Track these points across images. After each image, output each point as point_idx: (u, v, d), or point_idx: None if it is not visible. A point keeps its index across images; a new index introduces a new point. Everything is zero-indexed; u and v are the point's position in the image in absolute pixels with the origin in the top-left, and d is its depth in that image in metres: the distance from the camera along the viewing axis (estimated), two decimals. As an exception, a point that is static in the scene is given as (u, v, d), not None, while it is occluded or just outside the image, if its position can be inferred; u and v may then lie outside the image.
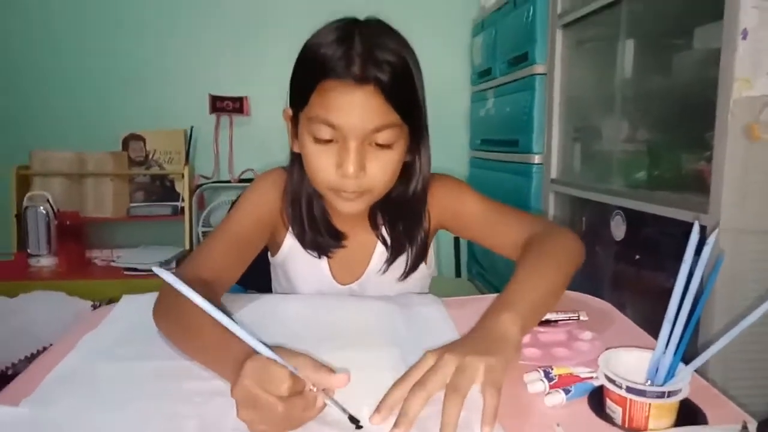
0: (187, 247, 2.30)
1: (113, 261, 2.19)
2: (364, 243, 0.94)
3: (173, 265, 2.13)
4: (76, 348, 0.70)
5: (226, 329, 0.61)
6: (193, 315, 0.66)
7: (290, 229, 0.92)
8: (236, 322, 0.53)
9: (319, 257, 0.93)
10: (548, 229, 0.83)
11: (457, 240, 2.55)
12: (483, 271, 2.41)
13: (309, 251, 0.93)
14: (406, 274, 0.94)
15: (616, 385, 0.53)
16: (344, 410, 0.52)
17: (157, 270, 0.49)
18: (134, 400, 0.57)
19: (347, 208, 0.81)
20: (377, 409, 0.53)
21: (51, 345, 0.72)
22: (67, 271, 2.10)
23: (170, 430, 0.52)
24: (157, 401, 0.57)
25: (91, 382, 0.61)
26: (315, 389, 0.52)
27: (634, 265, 1.25)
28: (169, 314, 0.71)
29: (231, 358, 0.55)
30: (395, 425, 0.50)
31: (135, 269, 2.08)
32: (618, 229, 1.31)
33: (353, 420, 0.52)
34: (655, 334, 0.70)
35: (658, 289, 1.16)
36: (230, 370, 0.54)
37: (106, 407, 0.56)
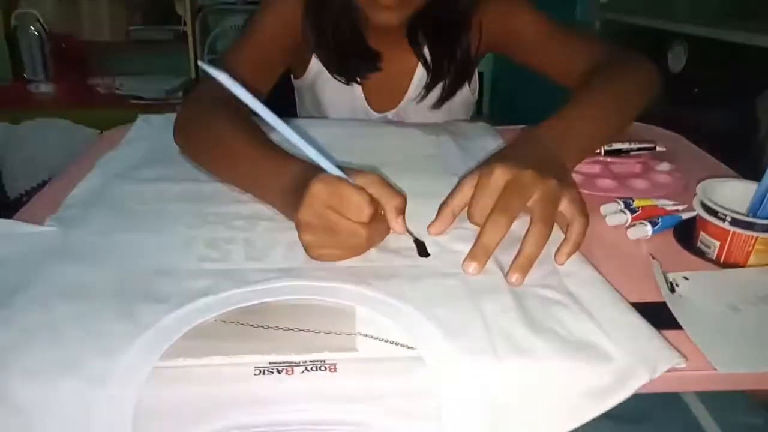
0: (193, 75, 2.17)
1: (117, 89, 2.07)
2: (402, 65, 0.83)
3: (179, 94, 2.02)
4: (96, 168, 0.64)
5: (270, 149, 0.54)
6: (229, 134, 0.58)
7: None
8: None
9: (348, 83, 0.83)
10: (618, 55, 0.71)
11: (480, 75, 2.40)
12: (507, 112, 2.29)
13: (336, 76, 0.82)
14: (444, 98, 0.84)
15: (719, 217, 0.47)
16: (412, 235, 0.47)
17: (204, 65, 0.39)
18: (168, 223, 0.52)
19: (384, 18, 0.69)
20: (436, 219, 0.50)
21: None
22: (68, 98, 2.00)
23: (216, 256, 0.46)
24: (193, 225, 0.51)
25: (119, 204, 0.56)
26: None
27: (692, 99, 1.15)
28: (198, 134, 0.63)
29: (287, 179, 0.49)
30: (470, 257, 0.45)
31: (141, 97, 1.97)
32: (677, 60, 1.19)
33: (419, 245, 0.47)
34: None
35: (719, 125, 1.08)
36: (286, 192, 0.48)
37: (140, 229, 0.51)
